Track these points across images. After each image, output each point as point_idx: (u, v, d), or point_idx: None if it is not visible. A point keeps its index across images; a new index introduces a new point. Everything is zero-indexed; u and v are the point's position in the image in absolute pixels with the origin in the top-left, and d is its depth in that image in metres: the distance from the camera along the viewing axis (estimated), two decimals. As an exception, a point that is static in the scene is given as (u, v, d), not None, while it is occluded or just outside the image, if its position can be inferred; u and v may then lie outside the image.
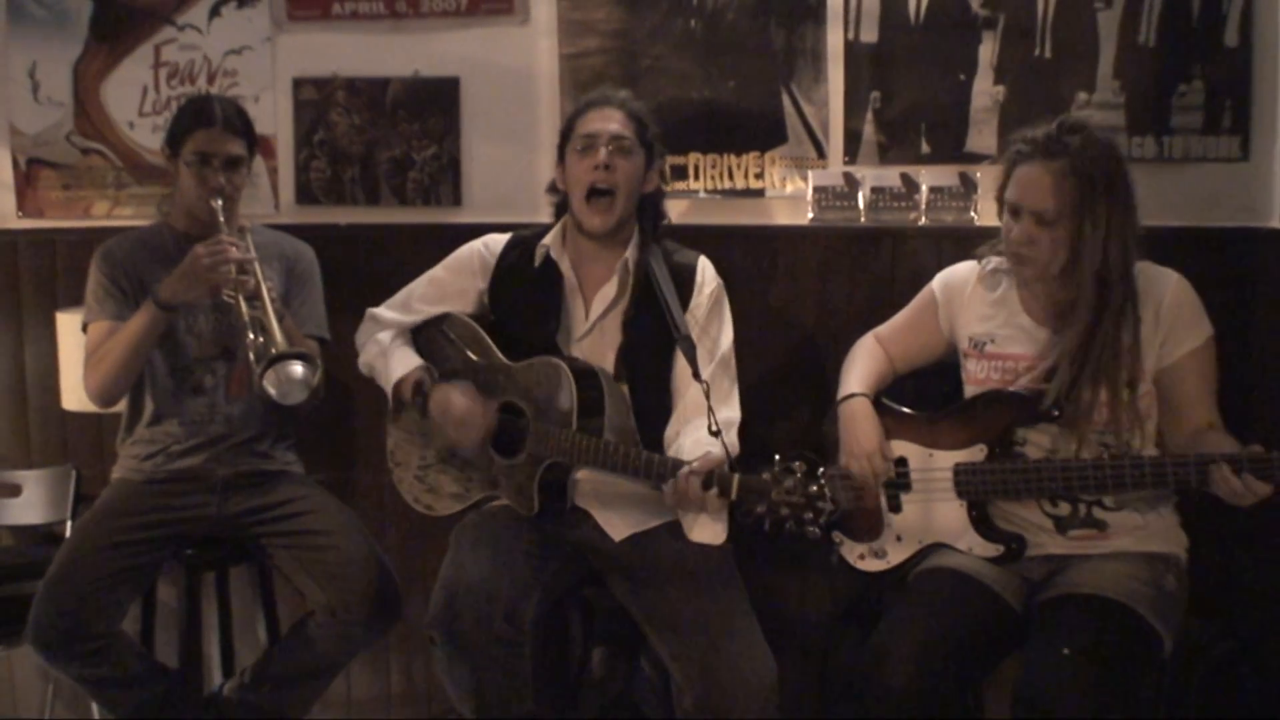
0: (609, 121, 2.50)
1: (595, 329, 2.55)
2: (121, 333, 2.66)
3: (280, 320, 2.57)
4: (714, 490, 2.23)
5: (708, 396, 2.33)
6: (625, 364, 2.52)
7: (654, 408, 2.51)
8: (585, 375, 2.44)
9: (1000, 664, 2.29)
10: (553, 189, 2.64)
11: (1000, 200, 2.36)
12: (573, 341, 2.56)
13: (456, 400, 2.53)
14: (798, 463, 2.14)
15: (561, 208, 2.63)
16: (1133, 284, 2.26)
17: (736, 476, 2.20)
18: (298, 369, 2.48)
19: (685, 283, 2.55)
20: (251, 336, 2.55)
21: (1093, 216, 2.21)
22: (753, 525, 2.19)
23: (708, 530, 2.42)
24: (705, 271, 2.58)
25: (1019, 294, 2.40)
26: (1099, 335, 2.24)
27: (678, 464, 2.29)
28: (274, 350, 2.49)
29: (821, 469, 2.14)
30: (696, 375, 2.39)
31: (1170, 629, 2.22)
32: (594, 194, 2.48)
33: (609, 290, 2.54)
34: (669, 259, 2.57)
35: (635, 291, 2.53)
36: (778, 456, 2.15)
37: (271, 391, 2.47)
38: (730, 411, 2.49)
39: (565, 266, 2.57)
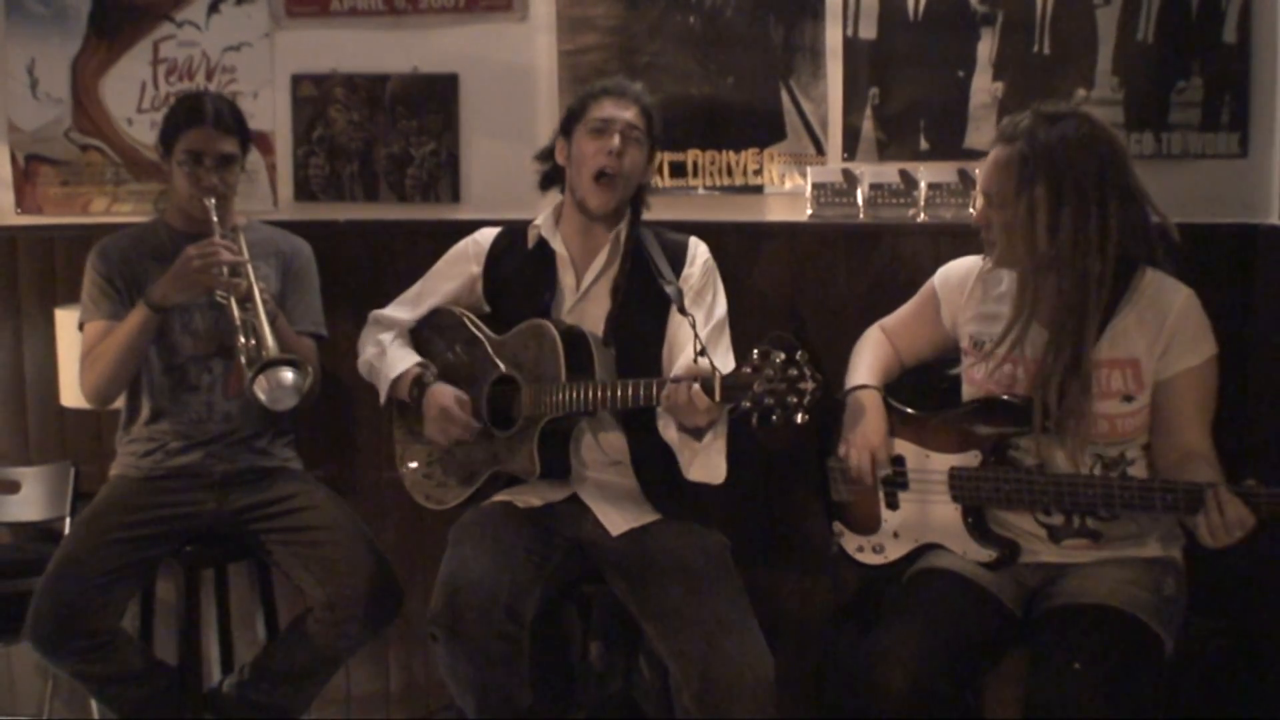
0: (625, 110, 2.53)
1: (585, 297, 2.58)
2: (115, 333, 2.67)
3: (273, 321, 2.57)
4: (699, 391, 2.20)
5: (694, 328, 2.33)
6: (614, 330, 2.53)
7: (643, 375, 2.49)
8: (572, 335, 2.46)
9: (998, 663, 2.29)
10: (545, 156, 2.65)
11: None
12: (564, 311, 2.58)
13: (443, 398, 2.54)
14: (776, 351, 2.09)
15: (548, 177, 2.66)
16: (1119, 285, 2.23)
17: (719, 374, 2.16)
18: (288, 375, 2.49)
19: (677, 256, 2.58)
20: (244, 340, 2.56)
21: (1029, 201, 2.18)
22: (743, 422, 2.14)
23: (705, 467, 2.40)
24: (697, 247, 2.63)
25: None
26: (1087, 337, 2.20)
27: (666, 383, 2.29)
28: (265, 355, 2.49)
29: (800, 351, 2.08)
30: (682, 310, 2.41)
31: (1171, 633, 2.21)
32: (602, 176, 2.51)
33: (600, 260, 2.58)
34: (660, 237, 2.62)
35: (626, 260, 2.57)
36: (756, 350, 2.10)
37: (262, 397, 2.49)
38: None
39: (557, 243, 2.60)
